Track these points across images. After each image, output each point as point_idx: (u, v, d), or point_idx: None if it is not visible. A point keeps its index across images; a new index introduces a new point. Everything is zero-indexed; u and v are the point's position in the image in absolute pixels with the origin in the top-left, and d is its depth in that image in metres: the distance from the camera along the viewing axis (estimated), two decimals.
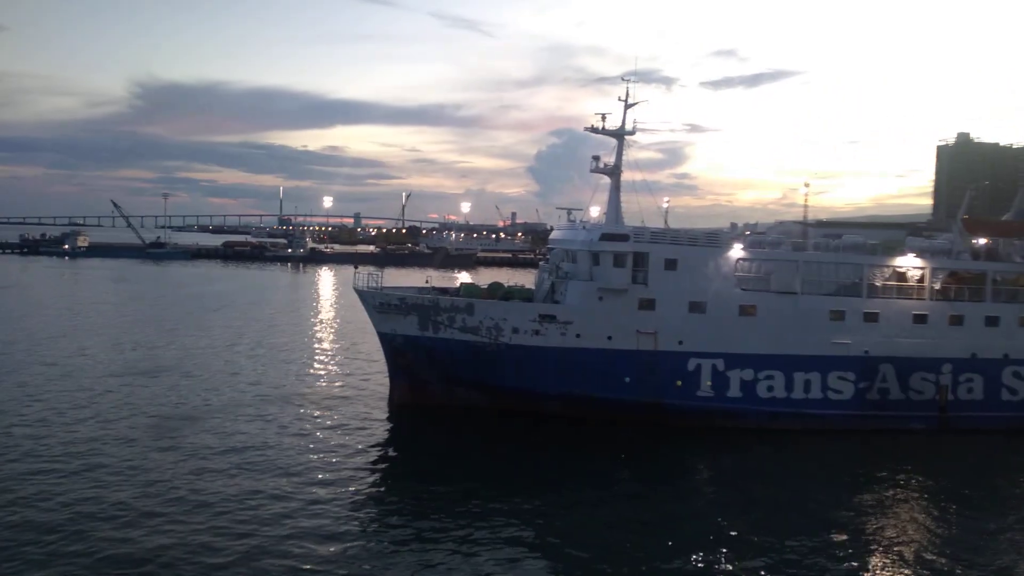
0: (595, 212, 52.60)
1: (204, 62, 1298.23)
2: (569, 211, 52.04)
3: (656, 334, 42.94)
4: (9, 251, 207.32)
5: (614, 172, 48.41)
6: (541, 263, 54.61)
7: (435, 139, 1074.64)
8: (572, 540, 28.11)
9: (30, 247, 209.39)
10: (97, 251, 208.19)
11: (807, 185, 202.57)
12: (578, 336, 43.14)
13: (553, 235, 52.88)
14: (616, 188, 48.41)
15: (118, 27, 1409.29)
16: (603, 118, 47.98)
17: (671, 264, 43.56)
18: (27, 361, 54.48)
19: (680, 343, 43.36)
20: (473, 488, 32.51)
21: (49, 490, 29.72)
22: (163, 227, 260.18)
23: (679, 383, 43.46)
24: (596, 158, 48.69)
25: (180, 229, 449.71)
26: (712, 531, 29.37)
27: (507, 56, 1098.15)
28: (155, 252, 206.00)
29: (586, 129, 48.71)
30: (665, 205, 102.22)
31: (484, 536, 27.69)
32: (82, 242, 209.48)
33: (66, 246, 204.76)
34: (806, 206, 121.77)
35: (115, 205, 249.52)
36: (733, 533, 29.21)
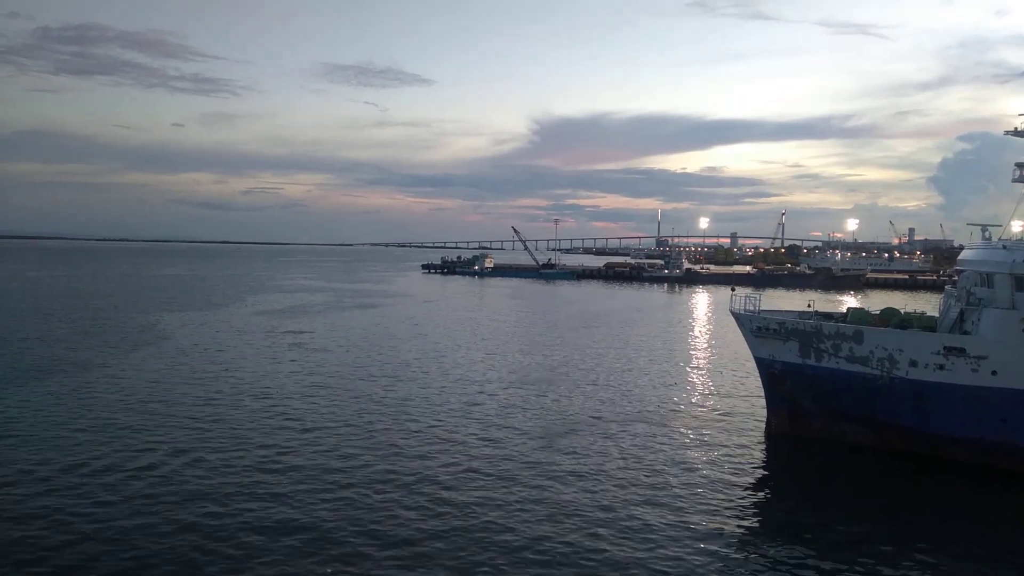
0: (1018, 228, 45.06)
1: (591, 95, 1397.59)
2: (984, 227, 45.14)
3: None
4: (434, 271, 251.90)
5: None
6: (947, 287, 48.28)
7: (820, 153, 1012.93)
8: None
9: (448, 268, 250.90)
10: (499, 271, 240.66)
11: None
12: (994, 374, 37.13)
13: (963, 255, 46.30)
14: None
15: (520, 71, 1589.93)
16: None
17: None
18: (436, 368, 64.23)
19: None
20: (861, 540, 29.69)
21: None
22: (553, 250, 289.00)
23: None
24: (1021, 165, 41.91)
25: (567, 251, 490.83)
26: None
27: (906, 58, 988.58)
28: (546, 272, 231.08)
29: (1007, 133, 42.43)
30: None
31: None
32: (488, 263, 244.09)
33: (476, 267, 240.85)
34: None
35: (515, 231, 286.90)
36: None
